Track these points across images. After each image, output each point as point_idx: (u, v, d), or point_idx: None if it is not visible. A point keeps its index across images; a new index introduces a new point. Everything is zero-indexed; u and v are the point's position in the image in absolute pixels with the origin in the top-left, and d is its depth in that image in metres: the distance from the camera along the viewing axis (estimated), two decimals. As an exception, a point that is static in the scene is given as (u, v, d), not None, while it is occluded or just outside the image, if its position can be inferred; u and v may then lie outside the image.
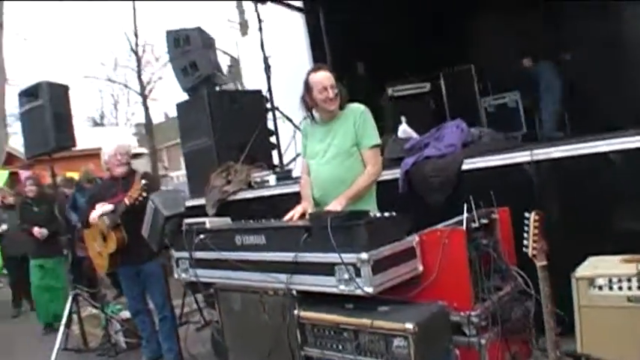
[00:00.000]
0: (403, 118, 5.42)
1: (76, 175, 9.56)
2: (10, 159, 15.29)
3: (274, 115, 7.28)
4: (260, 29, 7.26)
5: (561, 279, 3.02)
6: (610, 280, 2.80)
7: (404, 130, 5.14)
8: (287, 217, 3.61)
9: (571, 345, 3.00)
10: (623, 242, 3.19)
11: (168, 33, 6.84)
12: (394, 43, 8.63)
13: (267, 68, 7.18)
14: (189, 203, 7.06)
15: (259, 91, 7.44)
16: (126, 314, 5.96)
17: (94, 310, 6.07)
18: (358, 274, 2.76)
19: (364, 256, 2.73)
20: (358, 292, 2.76)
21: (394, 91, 8.34)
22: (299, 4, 9.22)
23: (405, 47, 8.68)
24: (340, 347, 2.87)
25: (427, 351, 2.61)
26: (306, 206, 3.68)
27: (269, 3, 8.41)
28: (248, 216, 4.23)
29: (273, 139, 7.40)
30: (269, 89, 7.26)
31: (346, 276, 2.80)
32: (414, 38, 8.81)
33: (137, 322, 5.20)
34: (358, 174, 3.60)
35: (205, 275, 3.65)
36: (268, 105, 7.31)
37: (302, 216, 3.56)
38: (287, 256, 3.07)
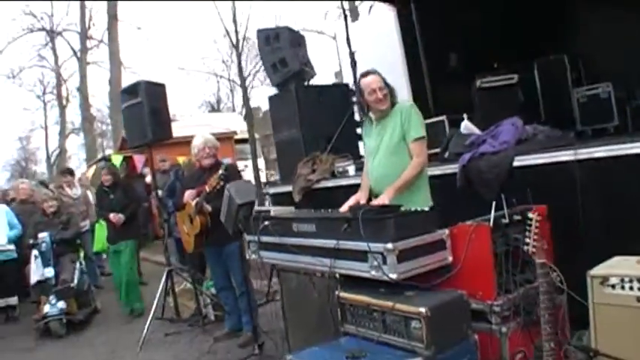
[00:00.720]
0: (465, 116, 5.64)
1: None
2: (125, 144, 16.43)
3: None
4: (346, 25, 7.64)
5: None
6: (622, 280, 2.93)
7: (466, 125, 5.38)
8: (343, 207, 4.01)
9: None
10: None
11: (259, 31, 7.39)
12: (487, 34, 8.68)
13: (354, 63, 7.57)
14: (280, 190, 7.64)
15: (346, 85, 7.83)
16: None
17: (188, 285, 6.73)
18: (385, 262, 3.13)
19: (390, 246, 3.10)
20: (385, 277, 3.13)
21: (482, 83, 8.38)
22: (392, -4, 9.47)
23: (497, 37, 8.71)
24: (371, 325, 3.26)
25: (440, 334, 2.94)
26: (359, 197, 4.10)
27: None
28: (329, 204, 4.59)
29: (359, 130, 7.79)
30: (355, 82, 7.63)
31: (375, 263, 3.18)
32: (506, 28, 8.80)
33: (221, 296, 5.81)
34: (404, 166, 3.95)
35: (268, 257, 4.15)
36: (354, 98, 7.68)
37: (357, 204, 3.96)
38: (330, 243, 3.49)
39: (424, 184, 4.13)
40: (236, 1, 14.02)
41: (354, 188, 6.04)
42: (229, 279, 5.55)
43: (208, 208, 5.18)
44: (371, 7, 20.19)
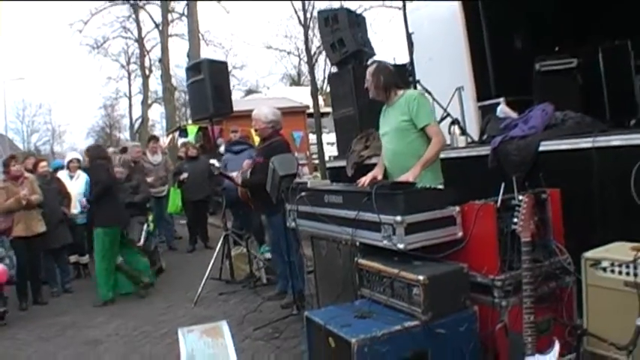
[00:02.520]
0: (502, 99, 5.84)
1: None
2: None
3: (415, 87, 7.90)
4: (404, 5, 7.86)
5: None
6: (612, 264, 3.11)
7: (501, 109, 5.59)
8: (361, 181, 4.37)
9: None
10: None
11: (320, 13, 7.75)
12: (550, 17, 8.68)
13: (410, 44, 7.80)
14: (336, 164, 8.03)
15: (403, 65, 8.07)
16: (269, 255, 7.09)
17: (245, 250, 7.24)
18: (394, 233, 3.48)
19: (399, 218, 3.44)
20: (394, 247, 3.48)
21: (541, 66, 8.41)
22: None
23: (560, 21, 8.69)
24: (382, 290, 3.61)
25: (438, 301, 3.27)
26: (376, 173, 4.47)
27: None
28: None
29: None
30: (411, 63, 7.88)
31: (387, 233, 3.53)
32: (570, 11, 8.76)
33: (273, 259, 6.33)
34: (413, 147, 4.31)
35: (303, 225, 4.56)
36: (410, 78, 7.94)
37: (371, 181, 4.31)
38: (352, 214, 3.86)
39: (437, 164, 4.43)
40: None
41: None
42: (280, 245, 6.00)
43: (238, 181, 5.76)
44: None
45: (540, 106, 5.02)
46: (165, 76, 25.29)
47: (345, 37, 7.48)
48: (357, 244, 3.90)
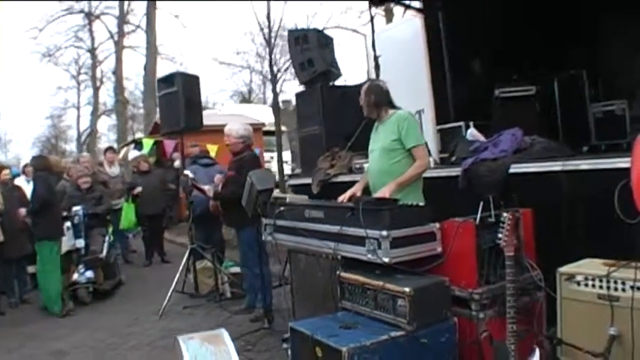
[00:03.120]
0: (471, 123, 6.07)
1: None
2: (157, 128, 16.97)
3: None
4: (372, 29, 8.09)
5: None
6: (586, 278, 3.32)
7: (471, 132, 5.82)
8: (340, 198, 4.49)
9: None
10: (625, 250, 3.69)
11: (290, 32, 7.92)
12: (509, 46, 9.01)
13: (377, 67, 8.02)
14: (301, 181, 8.13)
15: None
16: (235, 269, 7.12)
17: (208, 264, 7.24)
18: (379, 247, 3.60)
19: (384, 233, 3.57)
20: (378, 260, 3.60)
21: (501, 93, 8.71)
22: (418, 4, 9.87)
23: (518, 50, 9.04)
24: (364, 302, 3.73)
25: (422, 313, 3.41)
26: (356, 189, 4.60)
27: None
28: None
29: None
30: (377, 85, 8.08)
31: (372, 247, 3.64)
32: (528, 41, 9.12)
33: (242, 273, 6.38)
34: (398, 167, 4.42)
35: (283, 239, 4.64)
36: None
37: (351, 197, 4.44)
38: (335, 229, 3.97)
39: (418, 184, 4.58)
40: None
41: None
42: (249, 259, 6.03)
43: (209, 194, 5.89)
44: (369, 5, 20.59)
45: (510, 131, 5.24)
46: (119, 88, 25.01)
47: (314, 57, 7.62)
48: (339, 257, 4.01)
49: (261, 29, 15.89)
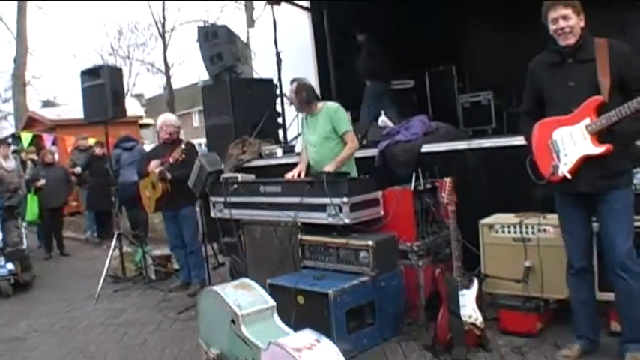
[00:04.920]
0: (382, 112, 7.02)
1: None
2: (32, 122, 16.55)
3: (282, 101, 8.86)
4: (274, 28, 8.79)
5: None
6: (503, 227, 4.33)
7: (382, 120, 6.76)
8: (288, 175, 5.20)
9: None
10: (525, 205, 4.62)
11: (200, 28, 8.41)
12: (388, 42, 10.04)
13: (279, 62, 8.74)
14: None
15: (271, 80, 8.98)
16: (156, 252, 7.54)
17: (129, 249, 7.60)
18: (341, 211, 4.37)
19: (345, 199, 4.36)
20: (341, 222, 4.38)
21: None
22: (306, 4, 10.69)
23: (395, 47, 10.08)
24: (327, 259, 4.50)
25: (381, 262, 4.24)
26: (301, 169, 5.27)
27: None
28: (258, 180, 5.77)
29: (279, 120, 8.99)
30: (279, 79, 8.82)
31: (333, 212, 4.42)
32: (404, 39, 10.19)
33: (174, 254, 6.81)
34: (335, 150, 5.14)
35: (237, 214, 5.28)
36: (277, 92, 8.86)
37: (299, 175, 5.18)
38: (295, 200, 4.70)
39: (352, 162, 5.37)
40: None
41: (282, 167, 7.20)
42: (182, 239, 6.51)
43: (169, 176, 6.13)
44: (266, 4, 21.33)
45: (418, 117, 6.21)
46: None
47: (223, 51, 8.19)
48: (299, 224, 4.73)
49: (156, 24, 15.97)
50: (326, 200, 4.46)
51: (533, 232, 4.15)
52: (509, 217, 4.40)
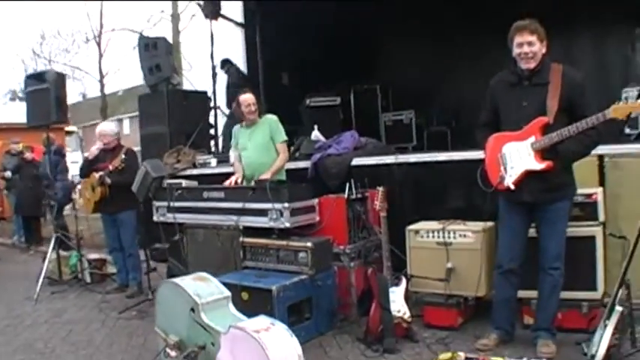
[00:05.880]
0: (315, 126, 7.50)
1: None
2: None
3: (215, 112, 9.22)
4: (212, 42, 9.14)
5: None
6: (428, 232, 4.84)
7: (315, 134, 7.24)
8: (226, 183, 5.55)
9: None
10: (450, 213, 5.17)
11: (140, 38, 8.67)
12: (316, 60, 10.50)
13: (214, 75, 9.11)
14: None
15: (205, 92, 9.32)
16: (94, 256, 7.67)
17: (65, 253, 7.70)
18: (282, 216, 4.79)
19: (286, 205, 4.78)
20: (281, 226, 4.79)
21: (311, 102, 10.12)
22: (240, 19, 11.08)
23: (324, 65, 10.57)
24: (267, 259, 4.89)
25: (318, 262, 4.66)
26: (237, 176, 5.60)
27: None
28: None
29: (212, 131, 9.35)
30: (214, 92, 9.19)
31: (275, 216, 4.82)
32: (332, 57, 10.69)
33: (112, 256, 6.99)
34: (272, 159, 5.56)
35: (181, 218, 5.60)
36: (212, 104, 9.22)
37: (236, 182, 5.54)
38: (238, 205, 5.08)
39: (283, 171, 5.79)
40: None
41: (216, 176, 7.51)
42: (120, 242, 6.71)
43: (109, 181, 6.35)
44: (193, 15, 21.56)
45: (349, 133, 6.71)
46: None
47: (162, 63, 8.47)
48: (241, 228, 5.11)
49: (93, 32, 15.88)
50: (268, 205, 4.87)
51: (454, 237, 4.69)
52: (433, 224, 4.92)
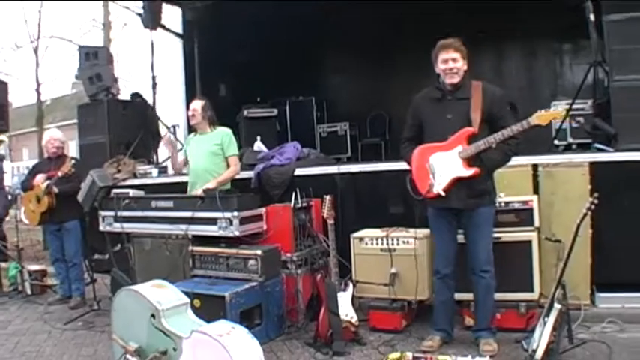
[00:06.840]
0: (258, 137, 7.69)
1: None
2: None
3: (157, 123, 9.26)
4: (152, 53, 9.19)
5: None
6: (372, 239, 5.10)
7: (258, 145, 7.44)
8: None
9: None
10: (390, 221, 5.42)
11: (81, 47, 8.64)
12: (253, 72, 10.67)
13: (154, 85, 9.16)
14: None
15: (146, 101, 9.34)
16: (34, 267, 7.58)
17: (4, 264, 7.59)
18: (231, 224, 4.96)
19: (236, 214, 4.96)
20: (231, 234, 4.97)
21: (248, 113, 10.22)
22: (179, 30, 11.12)
23: (260, 77, 10.75)
24: (217, 267, 5.05)
25: (267, 269, 4.86)
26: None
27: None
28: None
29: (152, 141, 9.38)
30: (154, 102, 9.22)
31: (224, 225, 4.99)
32: (268, 69, 10.87)
33: (55, 267, 6.93)
34: (219, 168, 5.67)
35: (129, 227, 5.68)
36: (151, 113, 9.25)
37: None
38: (187, 214, 5.22)
39: (229, 183, 5.93)
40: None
41: (157, 187, 7.58)
42: (63, 252, 6.69)
43: (56, 190, 6.34)
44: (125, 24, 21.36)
45: (291, 144, 6.94)
46: None
47: (103, 72, 8.47)
48: (190, 236, 5.25)
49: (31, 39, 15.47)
50: (217, 214, 5.03)
51: (397, 244, 4.98)
52: (377, 231, 5.20)
